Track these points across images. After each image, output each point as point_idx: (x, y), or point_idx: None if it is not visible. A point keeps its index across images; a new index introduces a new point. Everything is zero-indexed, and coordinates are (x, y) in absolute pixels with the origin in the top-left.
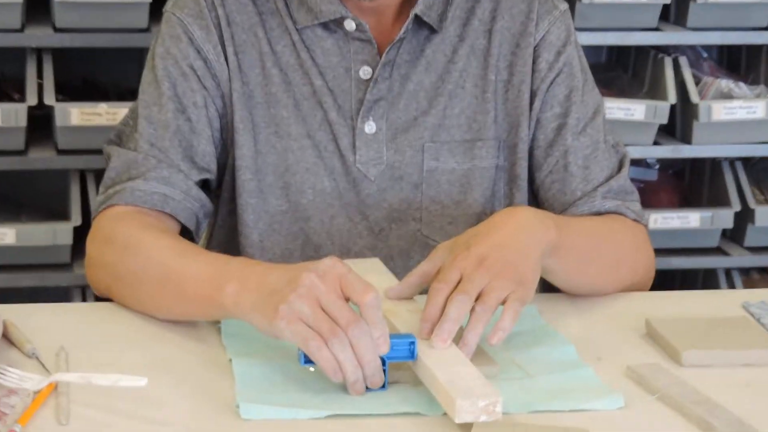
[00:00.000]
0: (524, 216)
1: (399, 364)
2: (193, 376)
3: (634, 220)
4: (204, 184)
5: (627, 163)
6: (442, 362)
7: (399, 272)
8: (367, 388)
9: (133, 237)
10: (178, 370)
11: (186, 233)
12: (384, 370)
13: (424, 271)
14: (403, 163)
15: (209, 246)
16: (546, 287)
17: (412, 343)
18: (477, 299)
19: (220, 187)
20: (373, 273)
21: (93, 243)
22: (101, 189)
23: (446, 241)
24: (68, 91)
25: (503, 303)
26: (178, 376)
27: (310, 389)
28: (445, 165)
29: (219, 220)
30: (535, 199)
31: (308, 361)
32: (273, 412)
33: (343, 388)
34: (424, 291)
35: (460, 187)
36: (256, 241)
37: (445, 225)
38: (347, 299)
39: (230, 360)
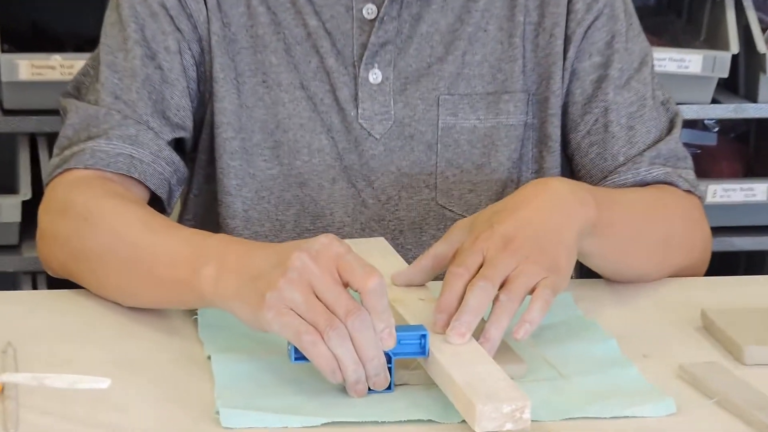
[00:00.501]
0: (558, 189)
1: (407, 362)
2: (165, 376)
3: (687, 191)
4: (177, 145)
5: (679, 124)
6: (460, 360)
7: (410, 249)
8: (369, 389)
9: (93, 207)
10: (147, 369)
11: (156, 203)
12: (389, 369)
13: (439, 253)
14: (414, 120)
15: (183, 219)
16: (583, 272)
17: (423, 336)
18: (501, 287)
19: (196, 149)
20: (378, 255)
21: (46, 213)
22: (56, 150)
23: (465, 218)
24: (15, 40)
25: (532, 291)
26: (146, 376)
27: (303, 391)
28: (464, 122)
29: (194, 188)
30: (570, 166)
31: (300, 357)
32: (259, 420)
33: (342, 389)
34: (439, 277)
35: (482, 149)
36: (240, 211)
37: (465, 193)
38: (346, 285)
39: (209, 357)
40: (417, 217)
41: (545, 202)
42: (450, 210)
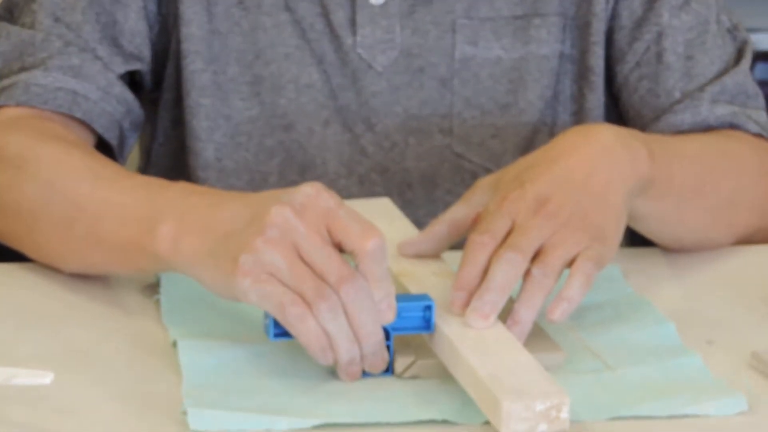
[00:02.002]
0: (604, 137)
1: (408, 340)
2: (120, 369)
3: (758, 134)
4: (133, 81)
5: (748, 55)
6: (483, 348)
7: (420, 207)
8: (364, 372)
9: (27, 153)
10: (99, 360)
11: (105, 152)
12: (388, 347)
13: (458, 217)
14: (424, 49)
15: (146, 174)
16: (634, 239)
17: (428, 307)
18: (534, 258)
19: (159, 87)
20: (382, 218)
21: None
22: None
23: (490, 175)
24: None
25: (571, 264)
26: (98, 369)
27: (289, 384)
28: (487, 52)
29: (159, 136)
30: (616, 106)
31: (281, 333)
32: (236, 422)
33: (334, 374)
34: (458, 246)
35: (508, 85)
36: (212, 160)
37: (486, 140)
38: (337, 245)
39: (174, 344)
40: (428, 169)
41: (588, 153)
42: (468, 160)
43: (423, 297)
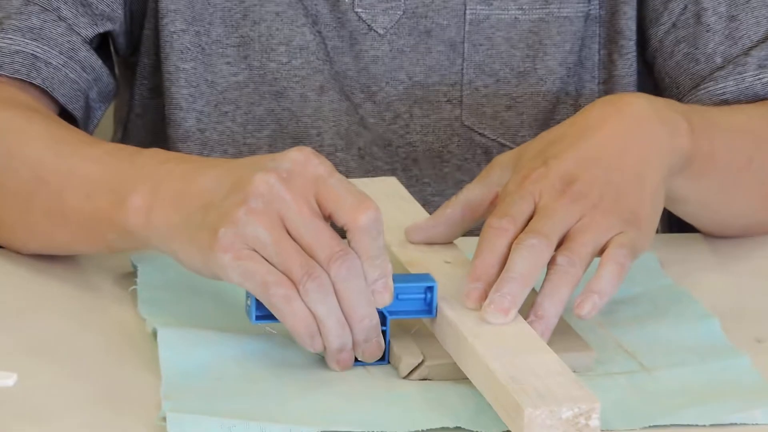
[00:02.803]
0: (637, 108)
1: (408, 325)
2: (92, 369)
3: None
4: (103, 44)
5: None
6: (502, 346)
7: (427, 185)
8: (357, 360)
9: None
10: (67, 359)
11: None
12: (384, 333)
13: (473, 199)
14: (431, 9)
15: None
16: (672, 223)
17: (429, 289)
18: (559, 245)
19: (137, 51)
20: (387, 199)
21: None
22: None
23: (509, 151)
24: None
25: (601, 252)
26: (66, 369)
27: (283, 385)
28: (501, 13)
29: (137, 106)
30: (650, 74)
31: (264, 316)
32: (221, 430)
33: (335, 375)
34: (473, 231)
35: (526, 50)
36: (194, 131)
37: (501, 111)
38: (328, 218)
39: (153, 333)
40: (435, 143)
41: (620, 127)
42: (480, 133)
43: (424, 277)
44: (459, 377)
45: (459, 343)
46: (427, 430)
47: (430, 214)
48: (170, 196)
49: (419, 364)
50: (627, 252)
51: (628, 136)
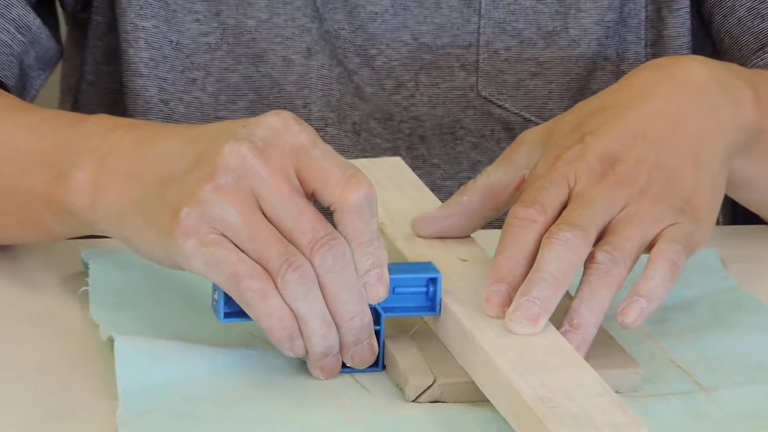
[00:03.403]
0: (693, 74)
1: (407, 324)
2: (34, 387)
3: None
4: (44, 1)
5: None
6: (529, 361)
7: (437, 168)
8: (344, 366)
9: None
10: (4, 376)
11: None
12: (377, 333)
13: (494, 183)
14: None
15: None
16: (736, 214)
17: (432, 281)
18: (599, 240)
19: (88, 8)
20: (391, 184)
21: None
22: None
23: (538, 126)
24: None
25: (650, 248)
26: (3, 388)
27: (265, 410)
28: None
29: (89, 72)
30: (707, 34)
31: (235, 313)
32: None
33: (330, 397)
34: (495, 223)
35: (556, 5)
36: (156, 102)
37: (525, 79)
38: (311, 196)
39: (110, 341)
40: (446, 117)
41: (672, 96)
42: (500, 106)
43: (425, 266)
44: (477, 399)
45: (474, 354)
46: None
47: (442, 202)
48: (121, 171)
49: (429, 386)
50: (681, 247)
51: (682, 108)
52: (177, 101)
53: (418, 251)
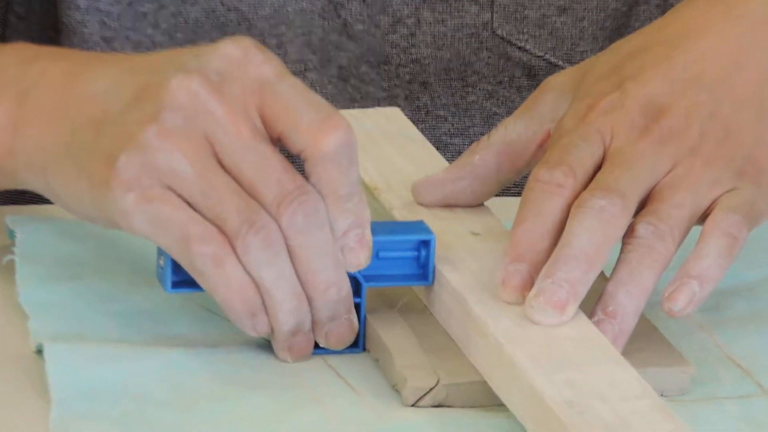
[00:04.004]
0: (755, 7)
1: (394, 296)
2: None
3: None
4: None
5: None
6: (555, 356)
7: (443, 122)
8: (317, 347)
9: None
10: None
11: None
12: (358, 306)
13: (512, 140)
14: None
15: None
16: None
17: (424, 243)
18: (641, 208)
19: None
20: (387, 140)
21: None
22: None
23: (566, 71)
24: None
25: (703, 218)
26: None
27: (233, 412)
28: None
29: (17, 3)
30: None
31: (184, 283)
32: None
33: (294, 387)
34: (514, 189)
35: None
36: (97, 39)
37: (552, 15)
38: (277, 141)
39: (38, 351)
40: (455, 60)
41: (731, 34)
42: (520, 47)
43: (416, 226)
44: (489, 403)
45: (486, 347)
46: None
47: (450, 162)
48: (45, 109)
49: (431, 389)
50: (741, 218)
51: (742, 47)
52: (123, 40)
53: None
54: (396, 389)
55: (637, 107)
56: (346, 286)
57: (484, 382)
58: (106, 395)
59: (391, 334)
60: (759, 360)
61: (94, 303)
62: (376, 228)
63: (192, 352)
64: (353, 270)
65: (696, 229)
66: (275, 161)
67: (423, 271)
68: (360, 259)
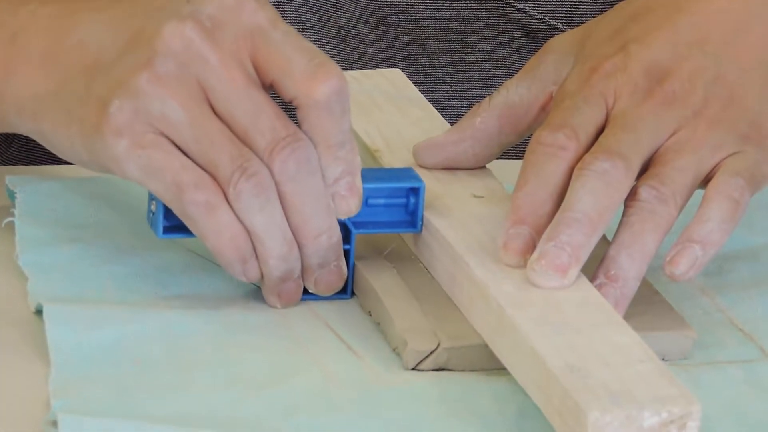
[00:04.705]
0: None
1: (381, 243)
2: None
3: None
4: None
5: None
6: (556, 320)
7: (440, 85)
8: (306, 292)
9: None
10: None
11: None
12: (347, 253)
13: (514, 102)
14: None
15: None
16: None
17: (414, 191)
18: (644, 172)
19: None
20: (387, 101)
21: None
22: None
23: (568, 32)
24: None
25: (706, 182)
26: None
27: (232, 374)
28: None
29: None
30: None
31: (175, 228)
32: None
33: (291, 350)
34: (511, 152)
35: None
36: None
37: None
38: (269, 88)
39: (37, 311)
40: (453, 21)
41: None
42: (520, 9)
43: (405, 174)
44: (491, 366)
45: (488, 311)
46: None
47: (452, 125)
48: (35, 54)
49: (432, 351)
50: (744, 182)
51: (748, 9)
52: None
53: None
54: (396, 352)
55: (640, 70)
56: (337, 233)
57: (486, 346)
58: (105, 357)
59: (385, 288)
60: (762, 324)
61: (94, 265)
62: (366, 175)
63: (191, 314)
64: (344, 217)
65: (699, 193)
66: (268, 108)
67: (412, 218)
68: (351, 207)
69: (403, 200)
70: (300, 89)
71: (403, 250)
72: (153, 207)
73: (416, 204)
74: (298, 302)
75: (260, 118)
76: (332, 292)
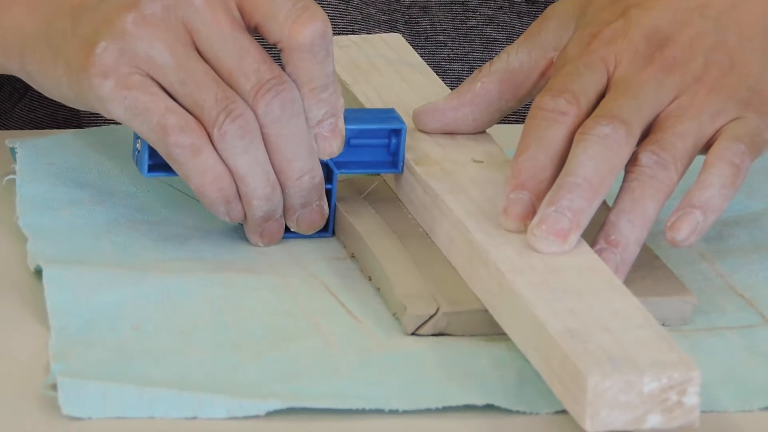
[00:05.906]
0: None
1: (361, 183)
2: None
3: None
4: None
5: None
6: (556, 285)
7: (441, 48)
8: (288, 231)
9: None
10: None
11: None
12: (329, 192)
13: (514, 67)
14: None
15: None
16: None
17: (395, 132)
18: (644, 137)
19: None
20: (388, 65)
21: None
22: None
23: None
24: None
25: (707, 147)
26: None
27: (231, 339)
28: None
29: None
30: None
31: (161, 166)
32: (135, 403)
33: (292, 317)
34: (516, 117)
35: None
36: None
37: None
38: (253, 31)
39: (37, 271)
40: None
41: None
42: None
43: (387, 115)
44: (491, 332)
45: (488, 276)
46: (445, 408)
47: (452, 89)
48: None
49: (431, 316)
50: (745, 147)
51: None
52: None
53: (421, 150)
54: (396, 317)
55: (641, 36)
56: (319, 174)
57: (486, 311)
58: (105, 322)
59: (382, 250)
60: (762, 290)
61: (94, 227)
62: (348, 116)
63: (191, 277)
64: (326, 158)
65: (700, 159)
66: (253, 51)
67: (393, 158)
68: (333, 148)
69: (384, 141)
70: (284, 32)
71: (383, 191)
72: (138, 146)
73: (398, 145)
74: (280, 241)
75: (245, 60)
76: (314, 231)
